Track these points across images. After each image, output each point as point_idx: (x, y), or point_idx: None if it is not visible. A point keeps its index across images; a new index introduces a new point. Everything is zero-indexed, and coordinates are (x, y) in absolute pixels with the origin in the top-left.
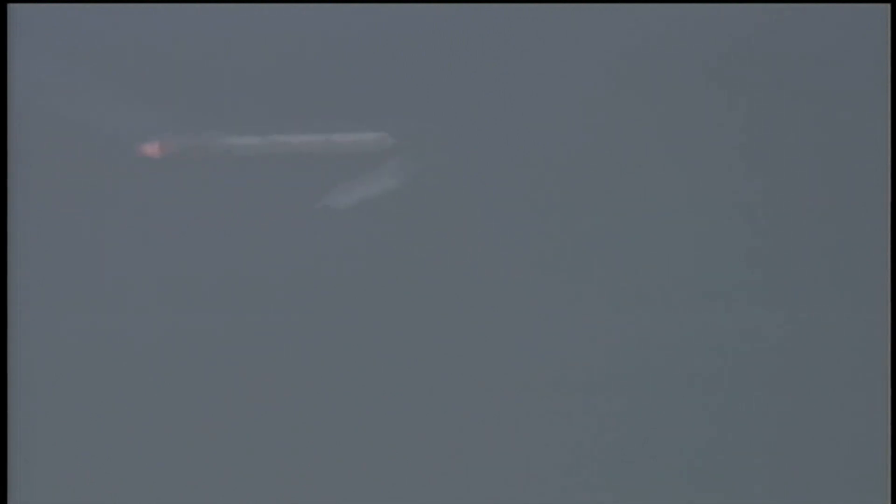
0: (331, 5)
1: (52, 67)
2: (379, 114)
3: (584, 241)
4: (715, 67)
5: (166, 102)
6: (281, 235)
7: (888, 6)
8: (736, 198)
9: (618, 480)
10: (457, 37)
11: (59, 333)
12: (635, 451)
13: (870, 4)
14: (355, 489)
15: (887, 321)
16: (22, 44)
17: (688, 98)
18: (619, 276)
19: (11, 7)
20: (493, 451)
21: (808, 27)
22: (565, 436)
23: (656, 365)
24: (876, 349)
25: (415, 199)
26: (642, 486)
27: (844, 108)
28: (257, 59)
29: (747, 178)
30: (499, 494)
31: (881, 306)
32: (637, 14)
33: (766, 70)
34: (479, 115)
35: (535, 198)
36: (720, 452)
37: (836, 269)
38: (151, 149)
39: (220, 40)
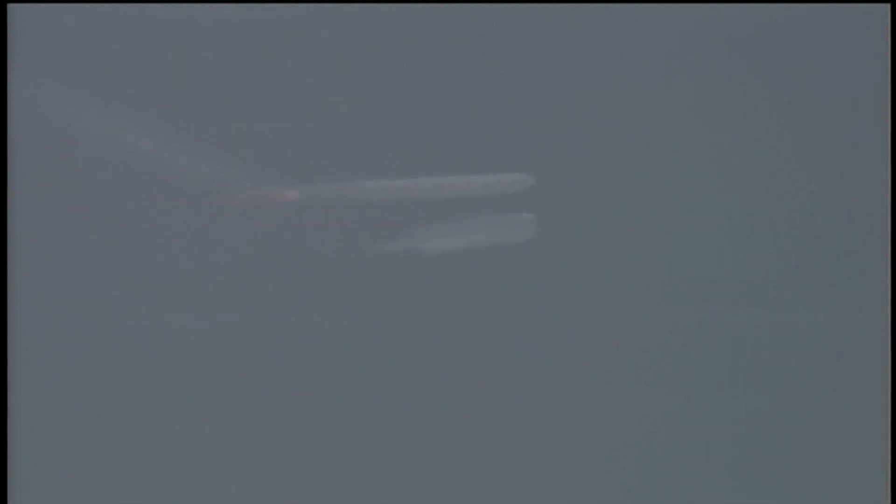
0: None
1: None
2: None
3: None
4: (713, 68)
5: (297, 147)
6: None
7: (888, 6)
8: (733, 199)
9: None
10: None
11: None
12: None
13: (870, 4)
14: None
15: (887, 321)
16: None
17: (684, 99)
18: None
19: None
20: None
21: (807, 27)
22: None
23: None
24: (877, 349)
25: (507, 255)
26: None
27: (844, 108)
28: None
29: (744, 179)
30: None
31: (882, 306)
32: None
33: (764, 70)
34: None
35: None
36: (723, 453)
37: (835, 269)
38: (279, 195)
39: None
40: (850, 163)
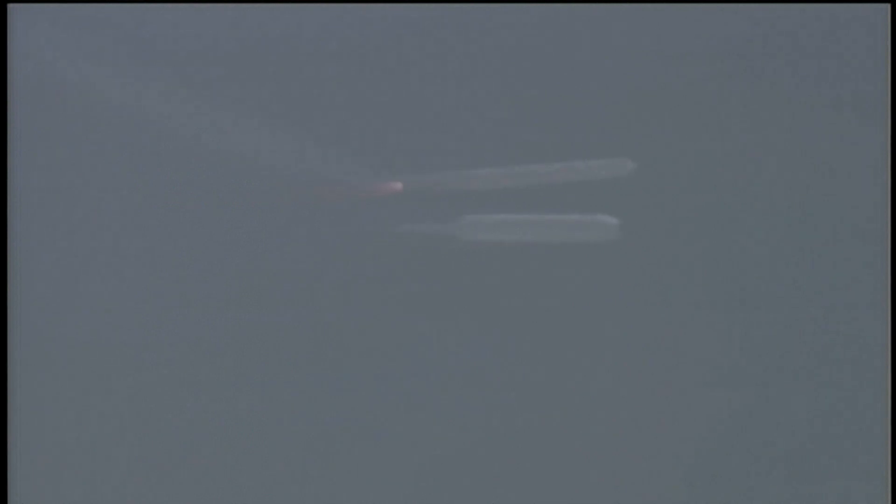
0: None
1: None
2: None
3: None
4: (714, 67)
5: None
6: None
7: (888, 6)
8: (731, 196)
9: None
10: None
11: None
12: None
13: (870, 4)
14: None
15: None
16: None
17: (683, 99)
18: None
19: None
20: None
21: (808, 27)
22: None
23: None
24: (878, 349)
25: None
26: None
27: (845, 107)
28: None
29: (744, 177)
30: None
31: (883, 306)
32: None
33: (766, 70)
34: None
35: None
36: (724, 453)
37: (833, 267)
38: (392, 186)
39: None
40: (851, 161)
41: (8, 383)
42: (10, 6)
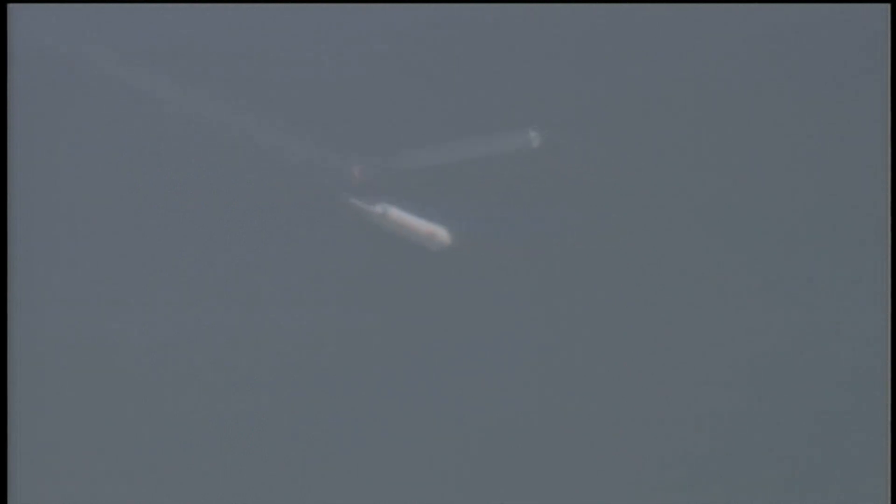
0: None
1: None
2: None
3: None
4: (714, 67)
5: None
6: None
7: (888, 6)
8: (730, 196)
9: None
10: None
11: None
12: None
13: (870, 4)
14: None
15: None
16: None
17: (683, 99)
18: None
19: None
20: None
21: (808, 27)
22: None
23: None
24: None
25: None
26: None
27: (845, 107)
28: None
29: (746, 177)
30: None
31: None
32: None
33: (766, 69)
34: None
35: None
36: (723, 454)
37: (829, 266)
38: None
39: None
40: (850, 161)
41: (8, 383)
42: (10, 6)
